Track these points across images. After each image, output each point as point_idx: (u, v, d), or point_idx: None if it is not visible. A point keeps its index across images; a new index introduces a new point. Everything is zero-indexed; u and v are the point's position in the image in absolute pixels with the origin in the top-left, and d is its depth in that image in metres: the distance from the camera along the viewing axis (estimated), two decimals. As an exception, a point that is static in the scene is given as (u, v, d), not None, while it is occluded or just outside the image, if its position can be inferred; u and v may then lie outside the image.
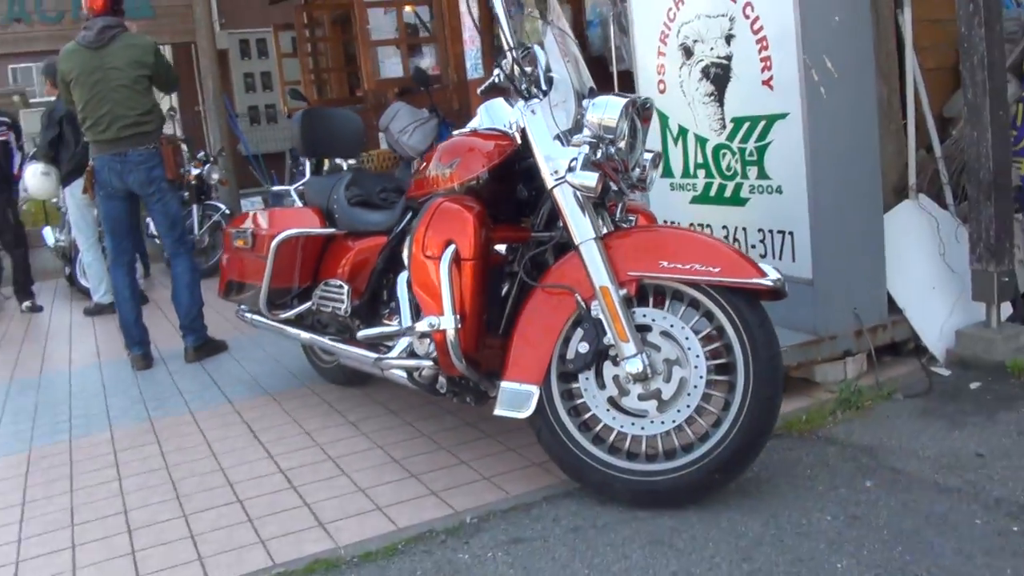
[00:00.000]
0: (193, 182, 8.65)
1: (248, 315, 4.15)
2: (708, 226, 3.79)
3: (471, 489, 2.82)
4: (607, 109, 2.56)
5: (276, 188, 6.10)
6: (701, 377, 2.52)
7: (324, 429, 3.59)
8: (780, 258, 3.45)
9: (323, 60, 10.84)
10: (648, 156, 2.88)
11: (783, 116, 3.34)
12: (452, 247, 2.75)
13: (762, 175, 3.47)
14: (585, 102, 2.68)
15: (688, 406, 2.52)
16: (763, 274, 2.48)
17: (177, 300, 5.04)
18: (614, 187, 2.74)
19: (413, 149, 6.20)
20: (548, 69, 2.75)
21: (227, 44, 11.79)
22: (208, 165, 8.74)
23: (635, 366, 2.52)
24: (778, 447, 2.88)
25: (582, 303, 2.61)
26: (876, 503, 2.44)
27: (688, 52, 3.73)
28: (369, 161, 8.80)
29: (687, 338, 2.54)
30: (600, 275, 2.56)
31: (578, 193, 2.61)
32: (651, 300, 2.63)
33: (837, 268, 3.32)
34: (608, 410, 2.61)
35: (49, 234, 8.65)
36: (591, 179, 2.53)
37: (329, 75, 11.00)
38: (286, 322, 3.93)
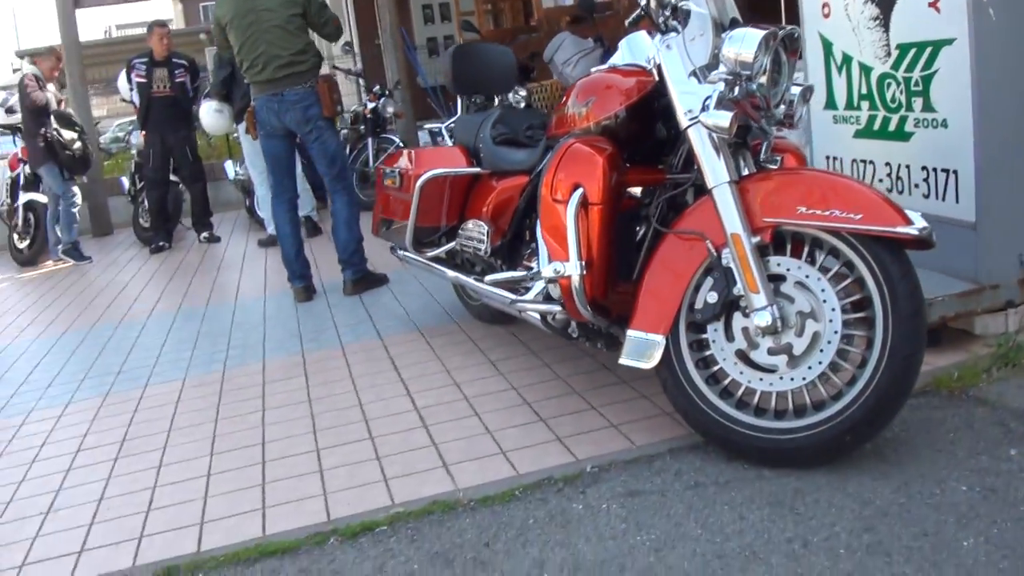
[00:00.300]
0: (368, 115, 8.85)
1: (400, 252, 4.21)
2: (871, 162, 3.53)
3: (596, 437, 2.77)
4: (744, 43, 2.39)
5: (429, 126, 6.13)
6: (836, 332, 2.35)
7: (464, 368, 3.61)
8: (943, 199, 3.17)
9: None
10: (796, 91, 2.69)
11: (949, 42, 3.03)
12: (580, 191, 2.67)
13: (927, 107, 3.18)
14: (723, 35, 2.51)
15: (820, 363, 2.36)
16: (908, 221, 2.27)
17: (336, 235, 5.18)
18: (756, 126, 2.58)
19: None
20: (684, -1, 2.59)
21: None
22: (383, 98, 8.88)
23: (764, 318, 2.38)
24: (923, 406, 2.67)
25: (713, 250, 2.48)
26: (1018, 475, 2.22)
27: (852, -27, 3.44)
28: (541, 92, 8.72)
29: (823, 290, 2.37)
30: (732, 221, 2.42)
31: (713, 133, 2.46)
32: (788, 248, 2.46)
33: (1003, 210, 3.01)
34: (736, 364, 2.49)
35: (230, 167, 9.07)
36: (724, 119, 2.37)
37: (504, 4, 10.94)
38: (434, 260, 3.97)
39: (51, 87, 7.88)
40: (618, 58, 2.98)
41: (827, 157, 3.79)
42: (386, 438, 3.02)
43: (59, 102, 7.97)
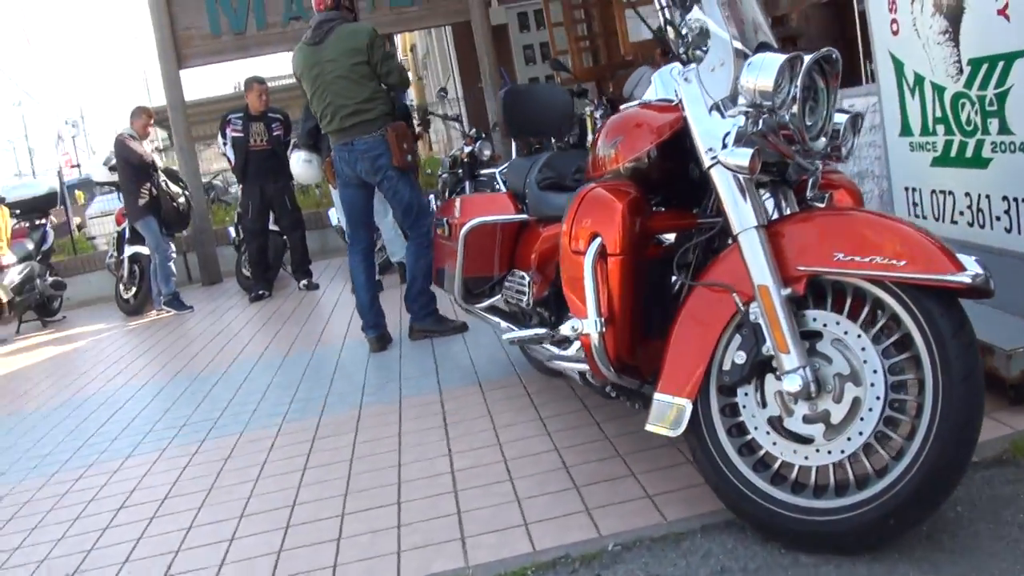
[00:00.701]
0: (465, 159, 8.81)
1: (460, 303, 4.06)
2: (951, 193, 3.17)
3: (627, 509, 2.52)
4: (763, 70, 2.13)
5: (484, 172, 5.97)
6: (878, 398, 2.04)
7: (513, 425, 3.41)
8: (1029, 232, 2.80)
9: (592, 26, 10.64)
10: (841, 119, 2.41)
11: (1022, 54, 2.67)
12: (598, 240, 2.45)
13: (1004, 129, 2.82)
14: (745, 63, 2.26)
15: (861, 433, 2.05)
16: (960, 268, 1.96)
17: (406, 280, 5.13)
18: (792, 162, 2.31)
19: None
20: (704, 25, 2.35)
21: (505, 19, 11.86)
22: (480, 141, 8.83)
23: (793, 383, 2.09)
24: (996, 479, 2.31)
25: (740, 304, 2.21)
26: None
27: (920, -17, 3.12)
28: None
29: (863, 348, 2.07)
30: (759, 271, 2.15)
31: (737, 174, 2.21)
32: (829, 300, 2.17)
33: None
34: (768, 432, 2.20)
35: (333, 214, 9.17)
36: (744, 157, 2.12)
37: (599, 41, 10.77)
38: (488, 310, 3.80)
39: (146, 144, 8.18)
40: (651, 92, 2.75)
41: (905, 188, 3.44)
42: (413, 503, 2.84)
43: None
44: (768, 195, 2.37)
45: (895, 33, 3.31)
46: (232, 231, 9.28)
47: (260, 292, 7.97)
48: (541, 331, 2.91)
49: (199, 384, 5.08)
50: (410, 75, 8.33)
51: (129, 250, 8.41)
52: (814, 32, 5.16)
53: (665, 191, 2.64)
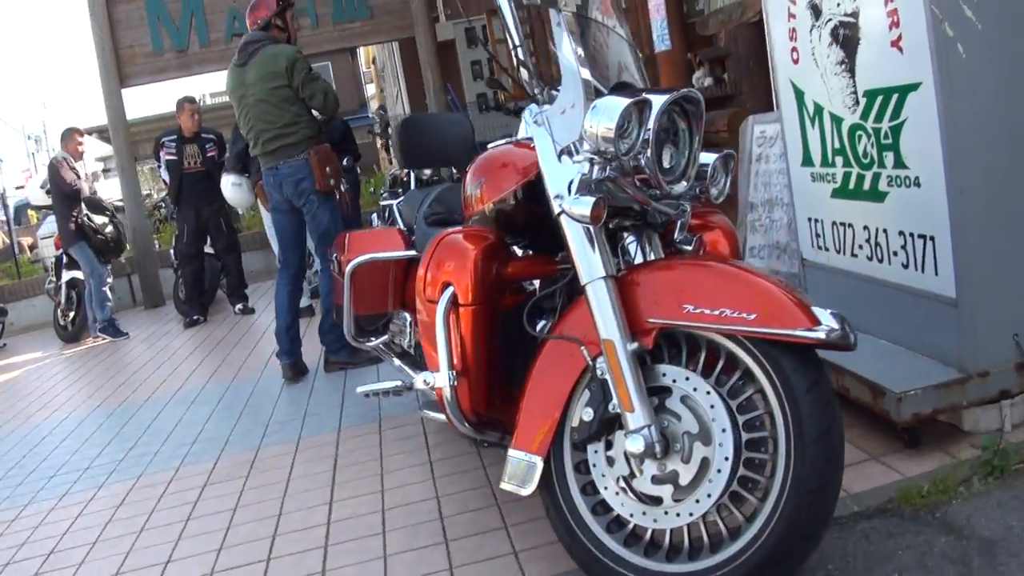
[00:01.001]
0: (405, 179, 8.65)
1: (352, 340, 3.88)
2: (851, 225, 3.05)
3: (490, 567, 2.37)
4: (604, 114, 1.98)
5: (384, 202, 5.80)
6: (727, 458, 1.90)
7: (399, 470, 3.25)
8: (923, 269, 2.67)
9: (534, 43, 10.50)
10: (709, 159, 2.28)
11: (915, 87, 2.55)
12: (450, 290, 2.30)
13: (899, 163, 2.70)
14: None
15: (709, 495, 1.91)
16: (813, 323, 1.83)
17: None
18: (651, 207, 2.18)
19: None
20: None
21: (452, 34, 11.67)
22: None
23: (636, 444, 1.94)
24: (876, 531, 2.16)
25: (589, 359, 2.06)
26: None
27: (816, 11, 2.99)
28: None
29: (712, 406, 1.93)
30: (605, 324, 2.01)
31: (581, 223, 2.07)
32: (684, 354, 2.04)
33: (989, 282, 2.50)
34: (618, 493, 2.06)
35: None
36: (585, 206, 1.98)
37: (541, 58, 10.66)
38: (386, 346, 3.63)
39: (80, 169, 7.96)
40: (522, 130, 2.60)
41: (809, 219, 3.31)
42: (281, 560, 2.68)
43: (89, 186, 8.03)
44: (632, 239, 2.25)
45: (795, 62, 3.18)
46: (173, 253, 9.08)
47: (195, 317, 7.77)
48: (391, 385, 2.75)
49: (113, 420, 4.89)
50: (371, 87, 8.09)
51: (67, 275, 8.17)
52: (742, 52, 5.03)
53: (533, 234, 2.49)
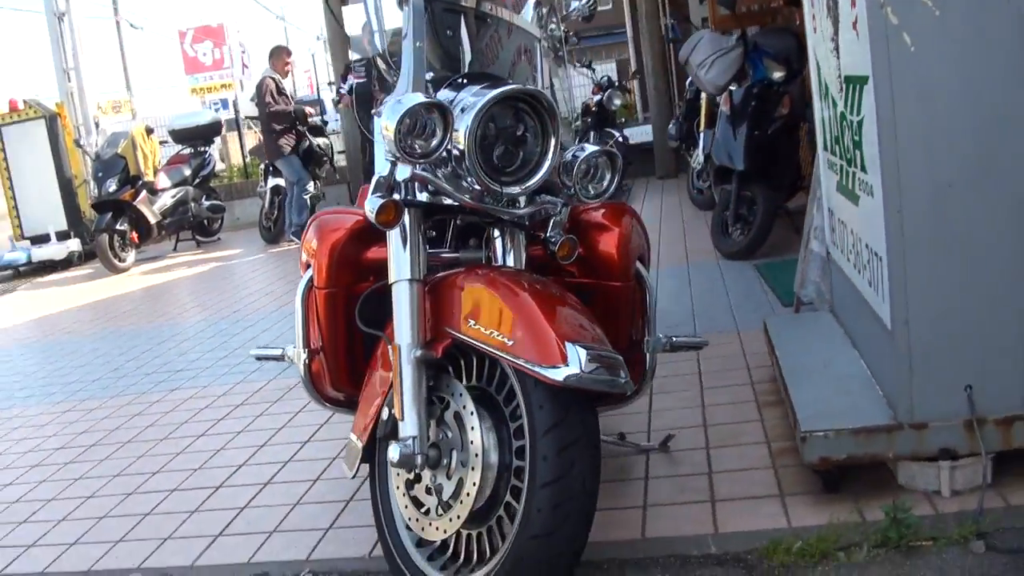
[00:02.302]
0: (594, 108, 8.53)
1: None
2: (844, 225, 2.69)
3: (288, 540, 2.42)
4: (389, 113, 1.84)
5: None
6: (475, 483, 1.80)
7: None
8: (878, 290, 2.31)
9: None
10: (581, 155, 2.10)
11: (865, 80, 2.18)
12: (310, 272, 2.28)
13: (862, 166, 2.33)
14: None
15: (459, 516, 1.82)
16: (558, 360, 1.67)
17: None
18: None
19: (712, 84, 5.30)
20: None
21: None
22: (610, 90, 8.49)
23: (393, 452, 1.85)
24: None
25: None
26: None
27: (825, -24, 2.61)
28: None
29: (472, 428, 1.82)
30: (399, 327, 1.92)
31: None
32: (475, 369, 1.93)
33: (936, 317, 2.09)
34: (403, 495, 2.00)
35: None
36: (371, 209, 1.88)
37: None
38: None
39: (287, 87, 8.49)
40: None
41: (828, 209, 2.96)
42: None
43: (307, 114, 8.55)
44: (498, 234, 2.13)
45: (814, 31, 2.80)
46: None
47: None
48: (277, 351, 2.76)
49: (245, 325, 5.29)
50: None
51: (272, 182, 8.85)
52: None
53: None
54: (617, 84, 8.64)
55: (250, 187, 10.60)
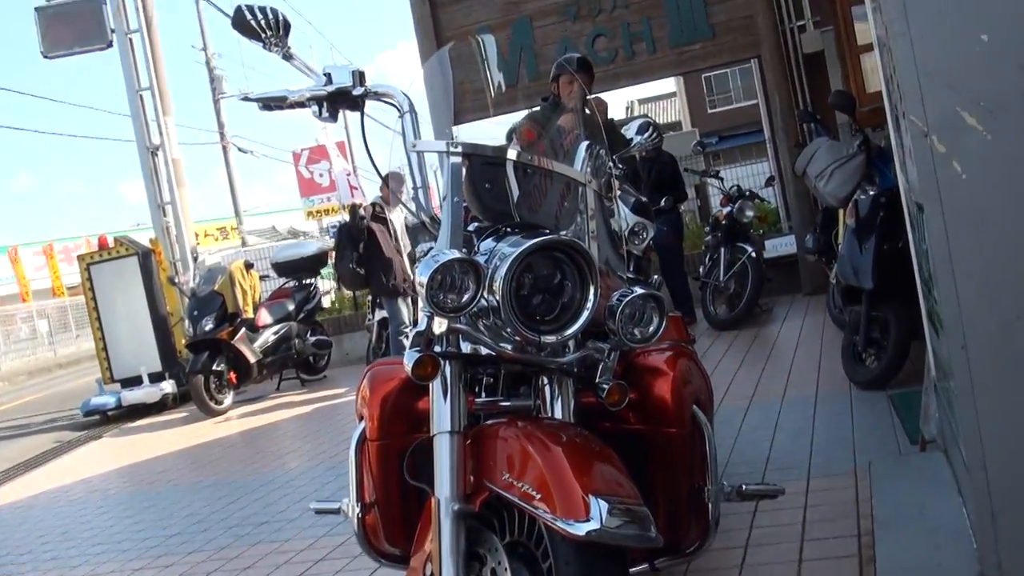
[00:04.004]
0: (723, 221, 8.76)
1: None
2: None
3: None
4: (422, 268, 2.15)
5: None
6: (500, 652, 2.00)
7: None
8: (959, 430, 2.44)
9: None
10: (625, 299, 2.34)
11: (922, 208, 2.37)
12: (362, 425, 2.56)
13: (935, 295, 2.50)
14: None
15: None
16: (580, 515, 1.87)
17: None
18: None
19: (832, 196, 5.46)
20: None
21: (820, 44, 11.26)
22: (740, 200, 8.71)
23: (429, 609, 2.10)
24: None
25: (436, 513, 2.25)
26: None
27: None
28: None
29: (503, 591, 2.04)
30: (439, 481, 2.15)
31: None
32: (524, 522, 2.15)
33: (1013, 457, 2.22)
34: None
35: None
36: (409, 362, 2.16)
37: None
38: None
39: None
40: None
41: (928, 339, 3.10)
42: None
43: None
44: (546, 382, 2.37)
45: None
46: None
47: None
48: (336, 505, 3.02)
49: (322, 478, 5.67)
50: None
51: (379, 315, 9.37)
52: None
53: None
54: (748, 193, 8.86)
55: (359, 319, 11.18)
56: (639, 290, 2.37)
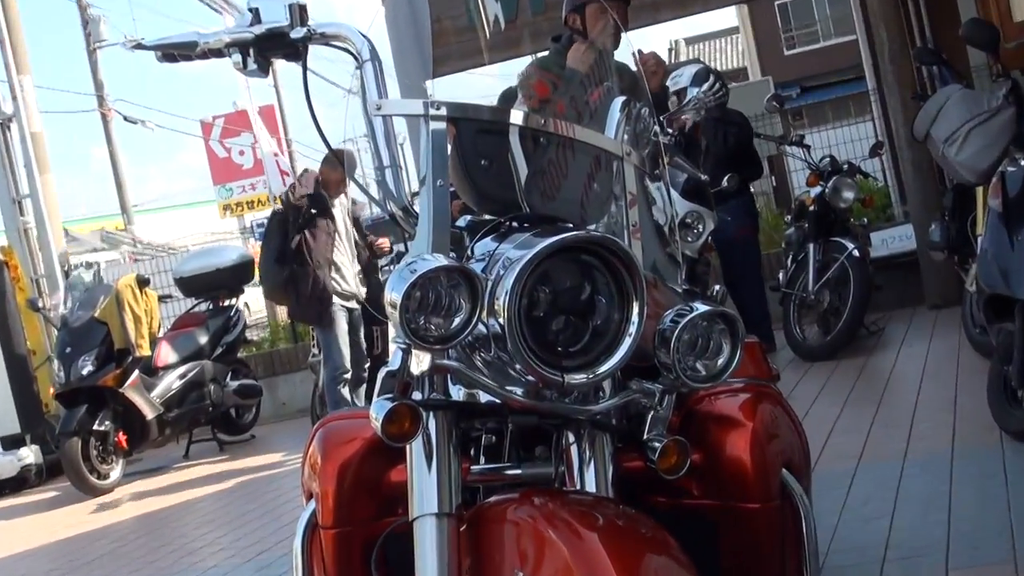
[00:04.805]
0: (812, 207, 8.72)
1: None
2: None
3: None
4: (394, 284, 2.08)
5: None
6: None
7: None
8: None
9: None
10: (682, 321, 2.29)
11: None
12: (311, 506, 2.54)
13: None
14: None
15: None
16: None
17: None
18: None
19: (969, 169, 5.40)
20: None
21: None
22: (836, 177, 8.61)
23: None
24: None
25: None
26: None
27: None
28: None
29: None
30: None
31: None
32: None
33: None
34: None
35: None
36: (377, 416, 2.13)
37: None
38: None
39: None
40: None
41: None
42: None
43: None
44: (573, 441, 2.34)
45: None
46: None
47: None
48: None
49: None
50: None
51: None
52: None
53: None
54: (846, 167, 8.81)
55: (300, 356, 11.12)
56: (702, 307, 2.32)
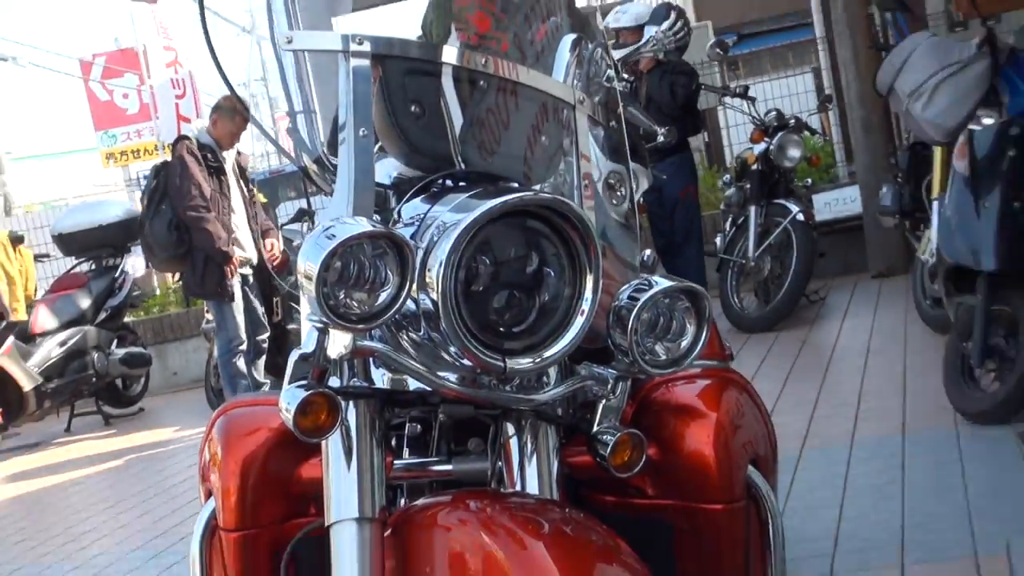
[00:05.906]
0: (755, 165, 8.67)
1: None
2: None
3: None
4: (306, 255, 1.96)
5: None
6: None
7: None
8: None
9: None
10: (642, 298, 2.17)
11: None
12: (211, 505, 2.43)
13: None
14: None
15: None
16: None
17: None
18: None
19: (936, 126, 5.34)
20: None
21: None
22: (781, 134, 8.56)
23: None
24: None
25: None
26: None
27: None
28: None
29: None
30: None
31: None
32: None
33: None
34: None
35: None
36: (287, 407, 1.99)
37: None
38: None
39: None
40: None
41: None
42: None
43: None
44: (512, 433, 2.23)
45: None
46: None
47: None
48: None
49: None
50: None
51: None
52: None
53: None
54: (793, 123, 8.77)
55: (193, 322, 11.01)
56: (663, 282, 2.24)
